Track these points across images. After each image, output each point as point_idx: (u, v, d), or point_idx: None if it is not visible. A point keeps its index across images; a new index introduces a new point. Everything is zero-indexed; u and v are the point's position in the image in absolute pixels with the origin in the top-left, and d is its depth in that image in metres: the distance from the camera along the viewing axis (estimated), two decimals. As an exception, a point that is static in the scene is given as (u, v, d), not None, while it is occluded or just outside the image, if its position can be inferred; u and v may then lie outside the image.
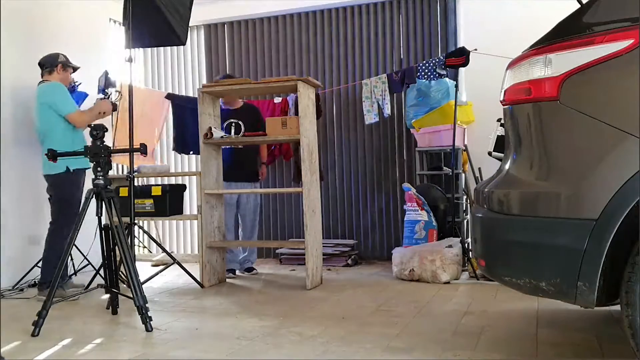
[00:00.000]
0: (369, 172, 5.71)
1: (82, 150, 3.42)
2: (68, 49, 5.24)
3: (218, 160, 4.67)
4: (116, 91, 4.30)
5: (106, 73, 4.24)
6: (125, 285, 3.79)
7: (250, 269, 4.97)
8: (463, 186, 5.16)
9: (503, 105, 2.32)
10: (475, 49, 4.65)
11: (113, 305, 3.45)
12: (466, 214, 5.21)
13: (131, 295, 3.13)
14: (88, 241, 4.88)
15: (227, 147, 4.85)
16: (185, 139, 5.72)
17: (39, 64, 4.24)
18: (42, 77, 4.23)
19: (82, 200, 3.33)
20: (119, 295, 3.42)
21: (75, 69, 4.38)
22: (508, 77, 2.26)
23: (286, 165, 5.91)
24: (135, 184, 4.34)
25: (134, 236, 4.28)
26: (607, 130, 1.88)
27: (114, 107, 4.26)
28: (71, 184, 4.10)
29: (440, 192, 4.99)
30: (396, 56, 5.66)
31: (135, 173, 4.46)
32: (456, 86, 4.82)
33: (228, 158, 4.87)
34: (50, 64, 4.21)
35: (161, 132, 6.03)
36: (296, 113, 4.63)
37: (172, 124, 5.84)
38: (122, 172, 5.90)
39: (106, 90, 4.21)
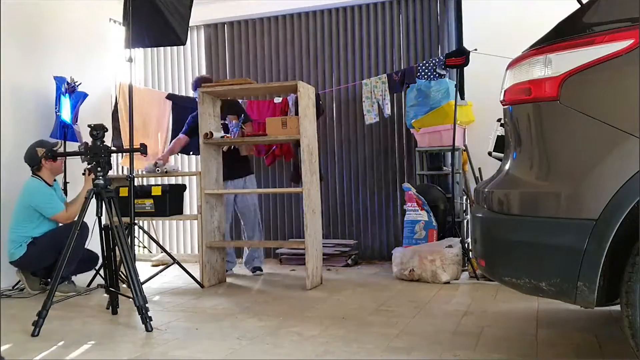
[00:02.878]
0: (369, 172, 5.71)
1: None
2: (68, 49, 5.26)
3: (218, 160, 4.67)
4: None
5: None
6: (125, 285, 3.80)
7: (255, 269, 4.96)
8: (463, 186, 5.16)
9: (503, 105, 2.32)
10: (475, 49, 4.65)
11: (113, 305, 3.45)
12: (466, 214, 5.20)
13: (131, 295, 3.13)
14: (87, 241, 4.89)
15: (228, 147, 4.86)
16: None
17: (25, 161, 4.22)
18: (32, 174, 4.23)
19: (83, 201, 3.33)
20: (119, 295, 3.42)
21: (58, 155, 4.07)
22: (508, 77, 2.26)
23: (286, 165, 5.91)
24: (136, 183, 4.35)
25: (134, 236, 4.28)
26: (607, 130, 1.88)
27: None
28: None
29: (440, 192, 4.99)
30: (396, 56, 5.66)
31: (147, 171, 4.48)
32: (456, 86, 4.82)
33: (224, 158, 4.87)
34: (33, 162, 4.19)
35: (166, 136, 6.02)
36: (296, 113, 4.63)
37: (171, 124, 5.85)
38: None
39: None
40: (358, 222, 5.75)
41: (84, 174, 4.23)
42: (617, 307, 1.98)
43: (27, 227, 4.13)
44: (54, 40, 5.12)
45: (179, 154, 6.08)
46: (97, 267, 4.41)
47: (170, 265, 4.49)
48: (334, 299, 3.79)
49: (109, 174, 3.39)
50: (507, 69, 2.29)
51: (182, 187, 4.97)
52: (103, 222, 3.37)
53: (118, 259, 3.45)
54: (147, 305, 3.10)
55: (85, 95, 4.97)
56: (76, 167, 5.01)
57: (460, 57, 4.70)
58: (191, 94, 6.18)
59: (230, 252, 5.00)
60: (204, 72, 6.30)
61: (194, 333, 3.00)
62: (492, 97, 3.15)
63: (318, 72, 5.87)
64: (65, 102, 4.77)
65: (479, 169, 4.96)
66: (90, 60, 5.52)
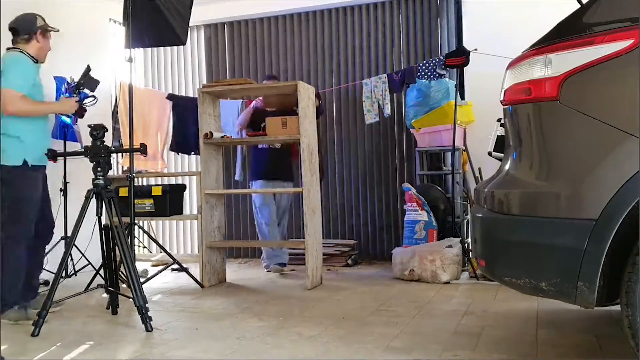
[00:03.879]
0: (369, 172, 5.71)
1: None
2: (68, 49, 5.25)
3: (218, 160, 4.67)
4: (91, 95, 3.67)
5: (88, 69, 3.65)
6: (125, 285, 3.80)
7: (282, 264, 5.00)
8: (463, 186, 5.16)
9: (503, 105, 2.32)
10: (475, 49, 4.65)
11: (113, 305, 3.45)
12: (466, 214, 5.20)
13: (131, 295, 3.13)
14: (86, 241, 4.90)
15: (264, 146, 4.88)
16: (187, 139, 5.72)
17: (11, 28, 3.51)
18: (14, 43, 3.48)
19: (83, 201, 3.31)
20: (119, 295, 3.42)
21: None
22: (508, 77, 2.26)
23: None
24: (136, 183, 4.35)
25: (134, 236, 4.28)
26: (607, 130, 1.88)
27: (80, 113, 3.65)
28: (29, 181, 3.36)
29: (440, 192, 4.99)
30: (396, 56, 5.66)
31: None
32: (456, 86, 4.82)
33: (265, 157, 4.89)
34: (26, 30, 3.47)
35: (166, 136, 6.01)
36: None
37: (171, 124, 5.85)
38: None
39: (81, 90, 3.62)
40: (358, 222, 5.75)
41: (67, 97, 3.64)
42: (617, 307, 1.98)
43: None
44: (54, 40, 5.10)
45: (179, 154, 6.10)
46: (96, 268, 4.41)
47: (170, 265, 4.49)
48: (334, 299, 3.79)
49: (108, 173, 3.39)
50: (507, 69, 2.29)
51: (182, 187, 4.98)
52: (103, 222, 3.36)
53: (118, 259, 3.45)
54: (147, 305, 3.10)
55: (85, 96, 4.96)
56: (76, 167, 5.02)
57: (460, 57, 4.70)
58: (191, 94, 6.20)
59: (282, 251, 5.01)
60: (204, 72, 6.31)
61: (194, 333, 3.00)
62: (492, 97, 3.14)
63: (318, 72, 5.87)
64: (65, 102, 4.76)
65: (479, 169, 4.96)
66: (90, 60, 5.50)
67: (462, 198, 5.16)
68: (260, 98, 4.95)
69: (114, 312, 3.45)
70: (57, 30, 3.70)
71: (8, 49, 3.46)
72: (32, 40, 3.48)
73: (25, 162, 3.29)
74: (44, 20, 3.59)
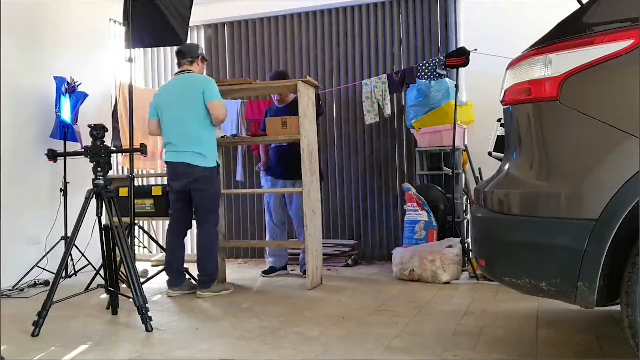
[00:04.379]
0: (369, 172, 5.71)
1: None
2: (68, 49, 5.26)
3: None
4: None
5: None
6: (125, 285, 3.80)
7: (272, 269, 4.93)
8: (463, 186, 5.16)
9: (503, 105, 2.32)
10: (475, 49, 4.65)
11: (113, 305, 3.45)
12: (466, 214, 5.20)
13: (131, 295, 3.13)
14: (86, 241, 4.90)
15: (274, 145, 4.85)
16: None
17: (180, 52, 4.15)
18: (180, 66, 4.14)
19: (83, 201, 3.32)
20: (118, 295, 3.42)
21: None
22: (508, 77, 2.26)
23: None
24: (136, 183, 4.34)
25: (134, 236, 4.28)
26: (607, 130, 1.88)
27: None
28: (218, 179, 4.14)
29: (440, 192, 4.99)
30: (396, 56, 5.66)
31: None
32: (456, 86, 4.82)
33: (273, 156, 4.87)
34: (194, 54, 4.14)
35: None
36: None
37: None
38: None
39: None
40: (358, 222, 5.75)
41: None
42: (617, 307, 1.98)
43: (210, 128, 4.05)
44: (54, 40, 5.12)
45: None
46: (96, 268, 4.42)
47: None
48: (334, 299, 3.79)
49: (108, 173, 3.39)
50: (507, 69, 2.29)
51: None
52: (103, 222, 3.36)
53: (118, 259, 3.45)
54: (147, 305, 3.10)
55: (85, 96, 4.97)
56: (76, 166, 5.02)
57: (460, 57, 4.70)
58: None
59: (281, 249, 4.94)
60: (203, 72, 6.29)
61: (194, 333, 3.00)
62: (492, 97, 3.15)
63: (318, 72, 5.87)
64: (65, 102, 4.78)
65: (479, 169, 4.96)
66: (90, 60, 5.52)
67: (463, 198, 5.16)
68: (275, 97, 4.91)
69: (114, 312, 3.45)
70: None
71: (182, 71, 4.12)
72: (194, 63, 4.15)
73: (217, 163, 4.08)
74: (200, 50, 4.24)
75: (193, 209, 4.07)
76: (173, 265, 4.03)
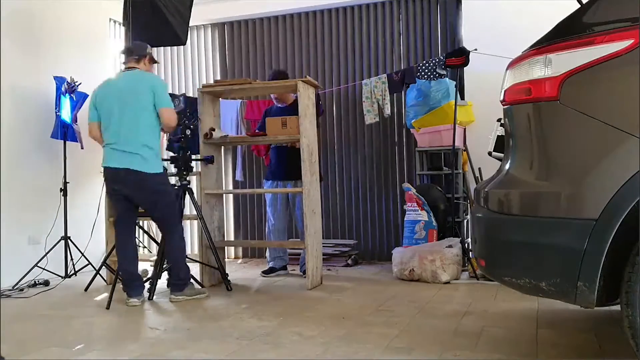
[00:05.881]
0: (369, 172, 5.71)
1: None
2: (68, 49, 5.27)
3: (218, 160, 4.67)
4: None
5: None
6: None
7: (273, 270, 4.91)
8: (463, 186, 5.16)
9: (503, 105, 2.32)
10: (475, 49, 4.65)
11: (151, 292, 3.88)
12: (466, 214, 5.20)
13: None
14: (86, 241, 4.90)
15: (274, 147, 4.84)
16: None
17: (128, 49, 3.92)
18: (126, 64, 3.87)
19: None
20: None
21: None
22: (508, 77, 2.26)
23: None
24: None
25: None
26: (607, 130, 1.88)
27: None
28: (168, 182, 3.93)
29: (440, 192, 4.99)
30: (396, 56, 5.66)
31: None
32: (456, 86, 4.82)
33: (273, 158, 4.85)
34: (141, 52, 3.86)
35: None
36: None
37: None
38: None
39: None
40: (358, 222, 5.75)
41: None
42: (617, 307, 1.98)
43: (155, 133, 3.76)
44: (54, 40, 5.12)
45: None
46: (97, 267, 4.42)
47: (169, 266, 4.48)
48: (334, 299, 3.79)
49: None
50: (507, 69, 2.29)
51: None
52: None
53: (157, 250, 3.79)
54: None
55: (85, 96, 4.96)
56: (77, 166, 5.03)
57: (460, 57, 4.70)
58: (191, 94, 6.19)
59: (281, 250, 4.92)
60: (203, 72, 6.31)
61: (194, 333, 3.00)
62: (492, 97, 3.15)
63: (318, 72, 5.87)
64: (65, 102, 4.78)
65: (479, 169, 4.96)
66: (90, 61, 5.52)
67: (463, 198, 5.16)
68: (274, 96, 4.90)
69: (151, 298, 3.83)
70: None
71: (129, 68, 3.84)
72: (140, 62, 3.86)
73: (164, 168, 3.85)
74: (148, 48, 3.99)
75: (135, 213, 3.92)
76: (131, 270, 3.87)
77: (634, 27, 1.86)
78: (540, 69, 2.06)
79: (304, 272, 4.75)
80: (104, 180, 3.85)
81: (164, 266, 4.20)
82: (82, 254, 4.76)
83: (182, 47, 6.13)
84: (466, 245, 4.61)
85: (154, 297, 3.91)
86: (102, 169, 3.78)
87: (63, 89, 4.75)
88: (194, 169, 4.28)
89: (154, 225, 6.41)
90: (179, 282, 3.84)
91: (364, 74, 5.68)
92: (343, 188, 5.80)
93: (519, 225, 2.10)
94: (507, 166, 2.27)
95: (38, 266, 4.53)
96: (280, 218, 4.86)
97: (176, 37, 4.49)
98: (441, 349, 2.58)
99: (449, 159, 5.04)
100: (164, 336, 2.94)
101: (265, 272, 4.84)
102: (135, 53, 3.83)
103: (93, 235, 4.89)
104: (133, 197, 3.75)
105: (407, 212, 4.87)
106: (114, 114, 3.68)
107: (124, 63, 3.89)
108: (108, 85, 3.82)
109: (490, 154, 4.19)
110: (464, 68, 4.88)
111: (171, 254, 3.88)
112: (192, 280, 4.18)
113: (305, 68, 5.92)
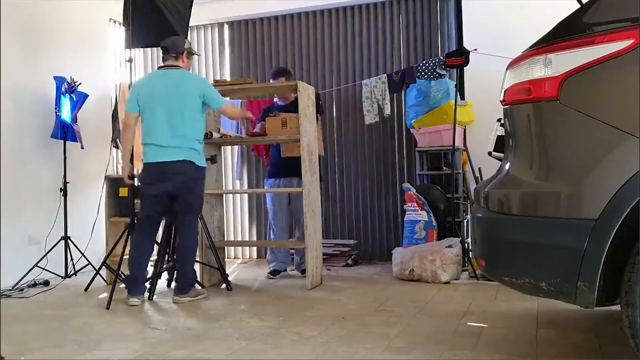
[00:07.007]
0: (369, 172, 5.71)
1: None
2: (68, 49, 5.26)
3: (218, 160, 4.66)
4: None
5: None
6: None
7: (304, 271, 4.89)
8: (463, 186, 5.16)
9: (503, 105, 2.32)
10: (475, 49, 4.65)
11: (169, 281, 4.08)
12: (466, 214, 5.20)
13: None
14: (86, 241, 4.90)
15: (275, 145, 4.82)
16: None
17: (164, 48, 3.86)
18: (164, 61, 3.88)
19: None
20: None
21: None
22: (508, 77, 2.26)
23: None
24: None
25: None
26: (607, 130, 1.88)
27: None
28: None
29: (440, 192, 4.99)
30: (396, 56, 5.66)
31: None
32: (456, 86, 4.82)
33: (276, 156, 4.84)
34: (179, 49, 3.85)
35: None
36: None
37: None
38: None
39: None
40: (358, 222, 5.75)
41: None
42: (617, 307, 1.98)
43: (202, 130, 3.90)
44: (54, 40, 5.12)
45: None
46: (97, 267, 4.42)
47: (170, 265, 4.48)
48: (334, 299, 3.79)
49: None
50: (507, 69, 2.29)
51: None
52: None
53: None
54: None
55: (85, 96, 4.97)
56: (77, 166, 5.03)
57: (460, 57, 4.70)
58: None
59: (284, 252, 4.89)
60: (203, 72, 6.30)
61: (194, 333, 3.00)
62: (492, 97, 3.14)
63: (318, 72, 5.87)
64: (65, 102, 4.78)
65: (479, 169, 4.96)
66: (90, 60, 5.52)
67: (463, 198, 5.16)
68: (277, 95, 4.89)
69: (150, 298, 3.82)
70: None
71: (163, 67, 3.88)
72: (179, 59, 3.88)
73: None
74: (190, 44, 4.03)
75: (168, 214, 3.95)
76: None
77: (634, 27, 1.86)
78: (540, 69, 2.06)
79: (303, 272, 4.76)
80: (143, 179, 3.83)
81: (164, 266, 4.21)
82: (82, 254, 4.76)
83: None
84: (466, 245, 4.61)
85: (154, 297, 3.91)
86: (142, 166, 3.84)
87: (63, 89, 4.75)
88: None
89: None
90: (186, 283, 3.80)
91: (364, 74, 5.68)
92: (343, 188, 5.80)
93: (519, 225, 2.10)
94: (507, 166, 2.27)
95: (38, 266, 4.52)
96: (281, 222, 4.85)
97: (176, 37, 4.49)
98: (441, 349, 2.58)
99: (449, 159, 5.03)
100: (164, 336, 2.94)
101: (273, 274, 4.80)
102: (173, 51, 3.84)
103: (93, 235, 4.88)
104: (173, 186, 3.73)
105: (407, 212, 4.87)
106: (156, 113, 3.74)
107: (163, 60, 3.90)
108: (150, 82, 3.86)
109: (490, 154, 4.19)
110: (464, 68, 4.88)
111: (186, 249, 3.83)
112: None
113: (305, 68, 5.92)
